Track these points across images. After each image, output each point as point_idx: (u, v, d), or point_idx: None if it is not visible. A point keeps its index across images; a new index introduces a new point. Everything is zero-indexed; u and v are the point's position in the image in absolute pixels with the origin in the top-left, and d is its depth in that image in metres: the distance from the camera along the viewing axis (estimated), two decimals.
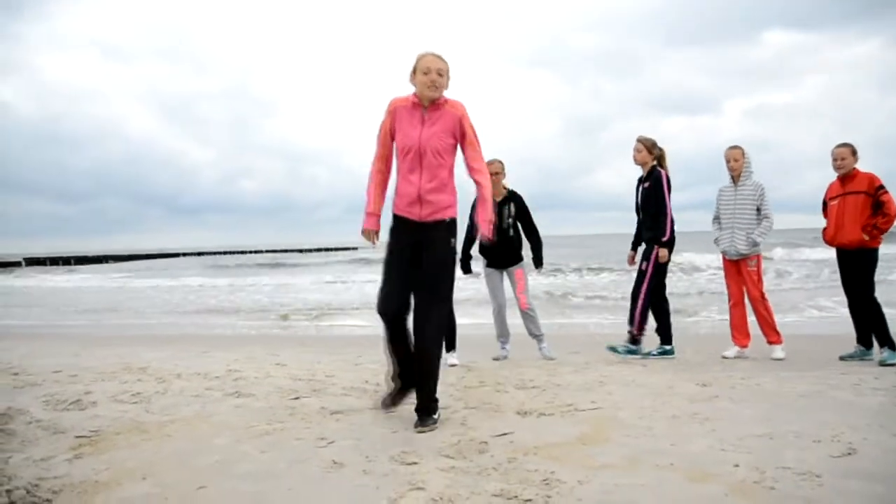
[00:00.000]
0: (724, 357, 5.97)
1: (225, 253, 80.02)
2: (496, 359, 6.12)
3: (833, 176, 5.79)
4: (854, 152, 5.63)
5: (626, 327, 6.11)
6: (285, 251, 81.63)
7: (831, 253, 5.97)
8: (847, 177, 5.67)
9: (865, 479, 2.57)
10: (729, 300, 6.21)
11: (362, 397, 4.29)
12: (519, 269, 6.18)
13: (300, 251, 79.90)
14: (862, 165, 5.65)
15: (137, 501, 2.50)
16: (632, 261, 6.36)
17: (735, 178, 6.04)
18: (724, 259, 6.16)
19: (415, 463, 2.88)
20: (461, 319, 6.35)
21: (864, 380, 4.62)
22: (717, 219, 6.22)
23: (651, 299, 5.95)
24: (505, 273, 6.25)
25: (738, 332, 6.06)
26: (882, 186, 5.54)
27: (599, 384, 4.63)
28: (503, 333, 6.26)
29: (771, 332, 5.98)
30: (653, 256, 5.92)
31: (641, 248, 6.16)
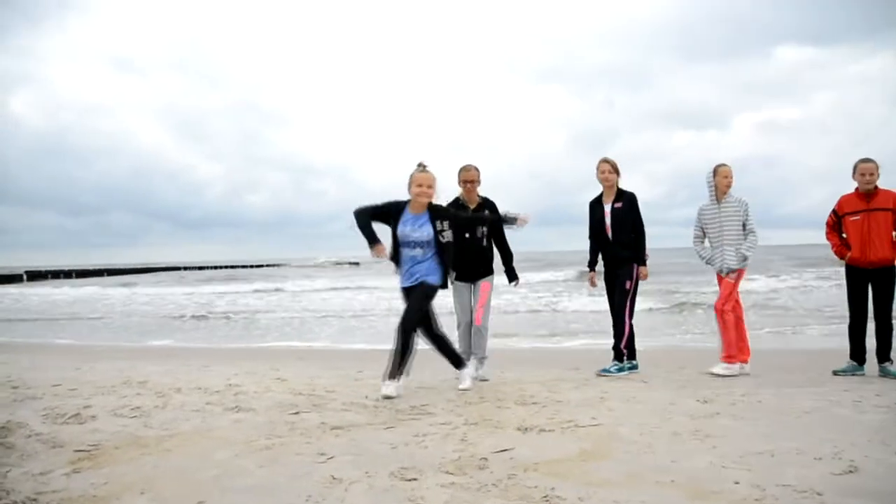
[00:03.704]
0: (719, 375, 5.90)
1: (217, 267, 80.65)
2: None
3: (843, 191, 5.77)
4: (878, 168, 5.64)
5: (613, 347, 6.07)
6: (272, 265, 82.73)
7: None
8: (871, 193, 5.66)
9: (867, 497, 2.56)
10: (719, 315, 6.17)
11: (362, 412, 4.28)
12: (486, 283, 5.91)
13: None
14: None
15: None
16: (593, 282, 6.36)
17: (719, 197, 6.05)
18: (719, 277, 6.15)
19: (414, 479, 2.87)
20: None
21: (865, 396, 4.61)
22: (699, 238, 6.22)
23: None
24: (473, 287, 5.93)
25: (739, 348, 6.03)
26: None
27: (600, 400, 4.62)
28: (467, 351, 5.83)
29: (726, 348, 5.97)
30: (635, 275, 5.96)
31: (600, 268, 6.15)
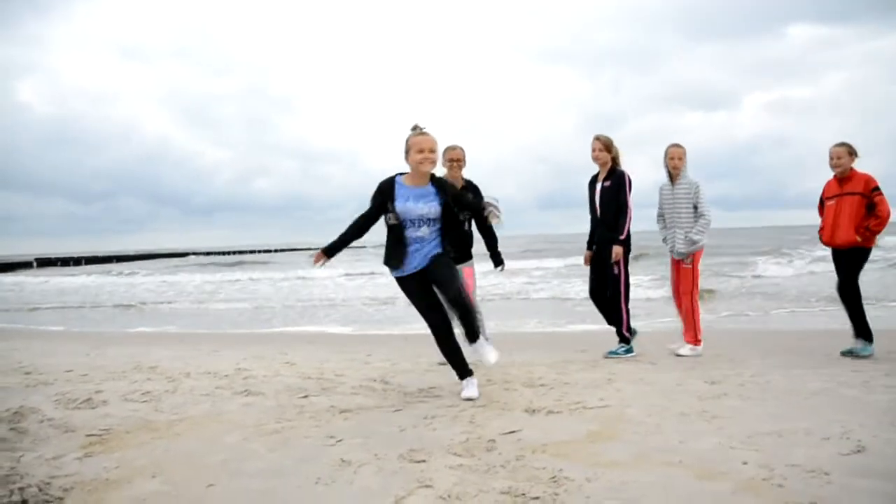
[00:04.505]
0: (678, 355, 5.93)
1: (223, 253, 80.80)
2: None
3: (830, 174, 5.79)
4: (851, 152, 5.62)
5: (614, 331, 6.05)
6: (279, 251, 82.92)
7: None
8: (844, 177, 5.68)
9: (875, 477, 2.55)
10: (674, 298, 6.19)
11: (371, 396, 4.30)
12: (469, 268, 5.76)
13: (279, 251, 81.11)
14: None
15: (147, 499, 2.52)
16: (588, 260, 6.26)
17: (673, 177, 6.02)
18: (672, 260, 6.14)
19: (423, 461, 2.89)
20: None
21: (874, 377, 4.59)
22: (661, 217, 6.20)
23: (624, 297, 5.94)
24: None
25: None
26: (877, 188, 5.55)
27: (608, 382, 4.63)
28: None
29: (689, 331, 6.01)
30: (621, 259, 5.90)
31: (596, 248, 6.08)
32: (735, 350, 6.16)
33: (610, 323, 6.10)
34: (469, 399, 4.11)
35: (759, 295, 14.17)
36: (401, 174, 4.20)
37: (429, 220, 4.10)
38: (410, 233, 4.11)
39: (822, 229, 5.89)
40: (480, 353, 4.12)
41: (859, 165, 5.66)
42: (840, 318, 5.71)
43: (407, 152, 4.11)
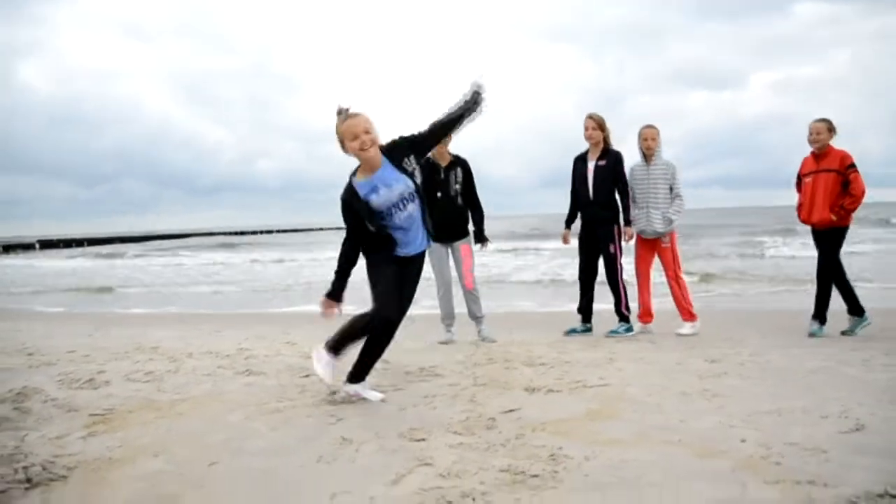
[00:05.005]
0: (679, 334, 5.96)
1: (224, 234, 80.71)
2: (443, 342, 5.75)
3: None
4: (831, 128, 5.63)
5: (612, 311, 6.09)
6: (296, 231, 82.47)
7: None
8: (822, 153, 5.68)
9: (873, 455, 2.57)
10: (638, 279, 6.19)
11: (372, 375, 4.30)
12: (465, 245, 5.76)
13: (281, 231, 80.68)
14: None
15: (150, 478, 2.54)
16: (567, 239, 6.28)
17: (648, 158, 6.02)
18: (639, 239, 6.14)
19: (423, 439, 2.91)
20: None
21: (873, 356, 4.61)
22: (631, 197, 6.12)
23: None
24: (449, 249, 5.78)
25: (646, 310, 6.12)
26: (853, 165, 5.54)
27: (608, 361, 4.65)
28: (449, 315, 5.86)
29: (684, 311, 6.07)
30: (617, 237, 5.93)
31: (577, 227, 6.11)
32: (734, 329, 6.18)
33: (587, 306, 6.13)
34: (348, 394, 3.68)
35: (759, 274, 14.18)
36: (353, 174, 3.60)
37: (409, 194, 3.55)
38: (399, 218, 3.56)
39: (800, 207, 5.89)
40: (363, 394, 3.69)
41: (847, 145, 5.66)
42: (836, 299, 5.71)
43: (342, 143, 3.52)
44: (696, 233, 30.86)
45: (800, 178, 5.90)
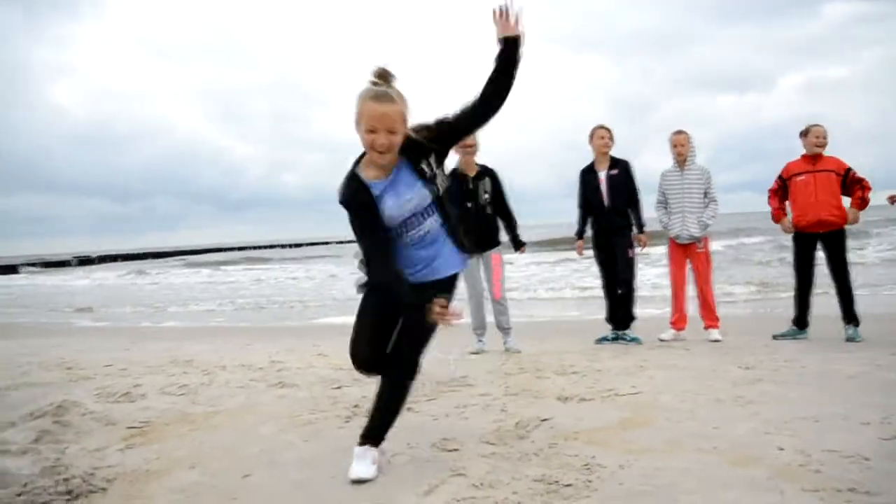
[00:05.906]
0: (662, 340, 6.00)
1: (253, 248, 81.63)
2: (473, 353, 5.77)
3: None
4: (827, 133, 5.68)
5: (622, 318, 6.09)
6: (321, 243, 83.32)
7: None
8: (816, 157, 5.70)
9: None
10: (673, 285, 6.17)
11: None
12: (496, 255, 5.74)
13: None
14: None
15: (186, 489, 2.58)
16: (582, 250, 6.35)
17: (681, 163, 6.05)
18: (672, 244, 6.14)
19: (456, 450, 2.91)
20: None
21: None
22: (661, 203, 6.20)
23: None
24: (481, 259, 5.77)
25: (682, 315, 6.09)
26: (850, 168, 5.60)
27: (640, 368, 4.60)
28: (480, 326, 5.88)
29: (710, 316, 6.02)
30: (637, 244, 5.98)
31: (589, 236, 6.16)
32: (769, 335, 6.06)
33: (619, 317, 6.09)
34: (358, 480, 2.57)
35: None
36: (356, 162, 2.67)
37: (424, 209, 2.65)
38: (410, 234, 2.67)
39: (796, 207, 5.77)
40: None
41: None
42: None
43: (356, 124, 2.54)
44: (730, 236, 30.42)
45: (784, 179, 5.85)
